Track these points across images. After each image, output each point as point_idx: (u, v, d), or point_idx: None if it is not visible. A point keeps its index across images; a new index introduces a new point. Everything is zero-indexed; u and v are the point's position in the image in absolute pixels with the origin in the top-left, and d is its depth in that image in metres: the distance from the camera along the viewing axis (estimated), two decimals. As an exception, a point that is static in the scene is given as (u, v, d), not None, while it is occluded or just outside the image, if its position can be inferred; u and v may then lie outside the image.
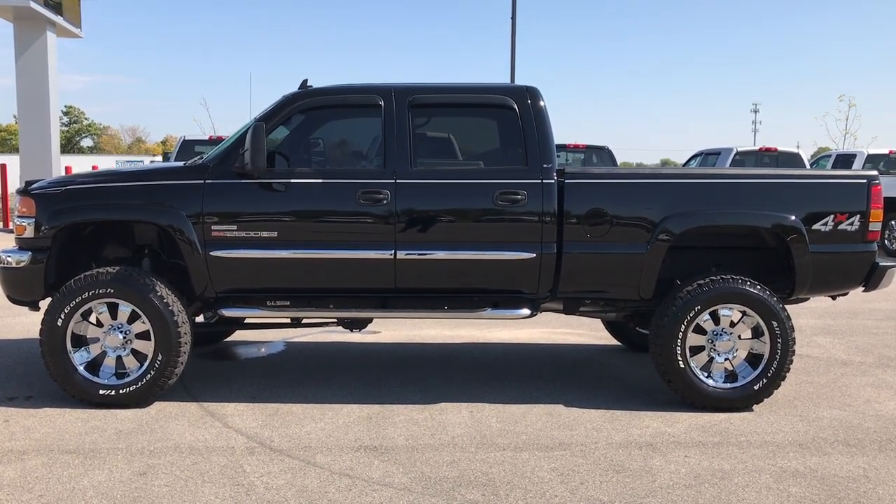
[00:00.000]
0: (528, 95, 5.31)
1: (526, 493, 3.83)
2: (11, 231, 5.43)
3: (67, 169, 20.68)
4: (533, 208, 5.06)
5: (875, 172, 5.28)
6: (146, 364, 5.02)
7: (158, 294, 4.98)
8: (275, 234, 5.08)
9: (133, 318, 5.04)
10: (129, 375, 5.05)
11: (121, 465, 4.11)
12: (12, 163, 20.22)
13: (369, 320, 5.68)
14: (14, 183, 15.38)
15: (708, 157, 16.91)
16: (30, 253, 5.12)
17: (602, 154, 15.49)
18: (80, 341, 5.08)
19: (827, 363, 6.56)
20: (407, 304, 5.32)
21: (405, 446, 4.44)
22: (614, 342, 7.14)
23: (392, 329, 7.70)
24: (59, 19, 18.81)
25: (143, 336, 5.05)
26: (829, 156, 17.69)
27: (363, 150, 5.70)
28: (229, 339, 7.07)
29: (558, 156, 10.89)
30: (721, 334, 5.14)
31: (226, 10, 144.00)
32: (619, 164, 17.18)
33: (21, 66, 18.53)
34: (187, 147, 14.19)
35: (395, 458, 4.25)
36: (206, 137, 15.22)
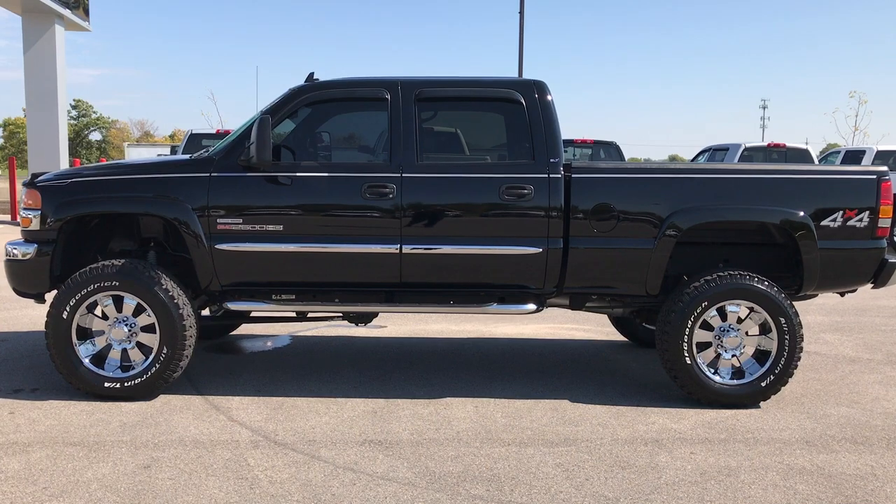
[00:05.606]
0: (536, 89, 5.28)
1: (531, 488, 3.81)
2: (19, 223, 5.45)
3: (76, 162, 20.75)
4: (539, 203, 5.04)
5: (885, 168, 5.23)
6: (151, 357, 5.02)
7: (164, 287, 4.97)
8: (280, 227, 5.07)
9: (138, 311, 5.04)
10: (134, 368, 5.05)
11: (125, 457, 4.11)
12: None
13: (375, 314, 5.67)
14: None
15: (716, 152, 16.87)
16: (35, 245, 5.12)
17: (610, 149, 15.45)
18: (86, 334, 5.08)
19: (835, 360, 6.53)
20: (412, 299, 5.31)
21: (410, 441, 4.42)
22: (620, 338, 7.11)
23: (397, 323, 7.69)
24: (66, 12, 18.83)
25: (148, 329, 5.05)
26: (839, 152, 17.59)
27: (369, 144, 5.69)
28: (234, 332, 7.07)
29: (565, 151, 10.85)
30: (728, 330, 5.11)
31: (233, 2, 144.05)
32: (626, 159, 17.12)
33: (29, 59, 18.56)
34: (195, 140, 14.19)
35: (400, 453, 4.24)
36: (214, 131, 15.24)
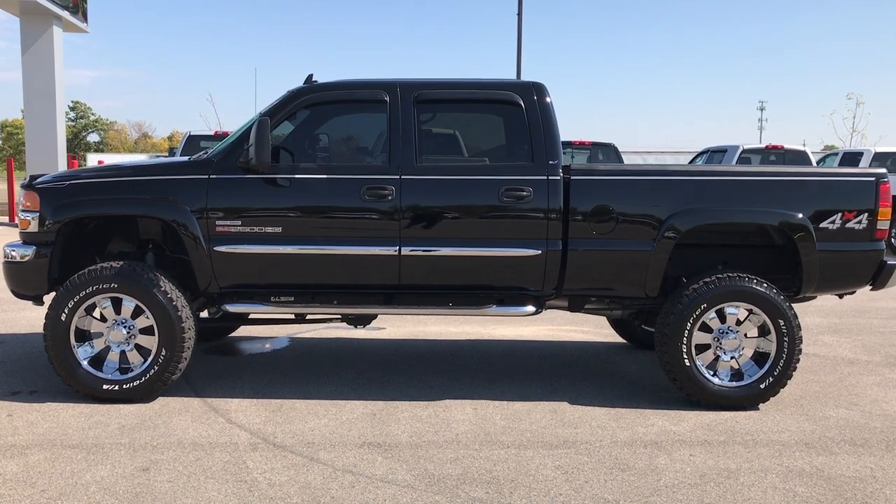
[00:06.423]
0: (535, 91, 5.29)
1: (530, 491, 3.81)
2: (17, 225, 5.48)
3: (73, 163, 20.74)
4: (538, 205, 5.04)
5: (883, 170, 5.24)
6: (150, 359, 5.01)
7: (162, 289, 4.97)
8: (279, 229, 5.06)
9: (137, 313, 5.03)
10: (132, 370, 5.04)
11: (124, 460, 4.10)
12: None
13: (374, 316, 5.67)
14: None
15: (714, 154, 16.87)
16: (34, 247, 5.12)
17: (608, 151, 15.45)
18: (84, 336, 5.07)
19: (833, 362, 6.53)
20: (411, 301, 5.31)
21: (409, 443, 4.42)
22: (619, 340, 7.11)
23: (396, 325, 7.68)
24: (65, 14, 18.82)
25: (146, 331, 5.04)
26: (836, 154, 17.61)
27: (368, 146, 5.69)
28: (233, 334, 7.06)
29: (564, 153, 10.85)
30: (727, 332, 5.11)
31: (231, 3, 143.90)
32: (624, 161, 17.11)
33: (27, 60, 18.54)
34: (193, 142, 14.19)
35: (399, 455, 4.23)
36: (212, 133, 15.23)
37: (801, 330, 5.08)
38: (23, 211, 5.20)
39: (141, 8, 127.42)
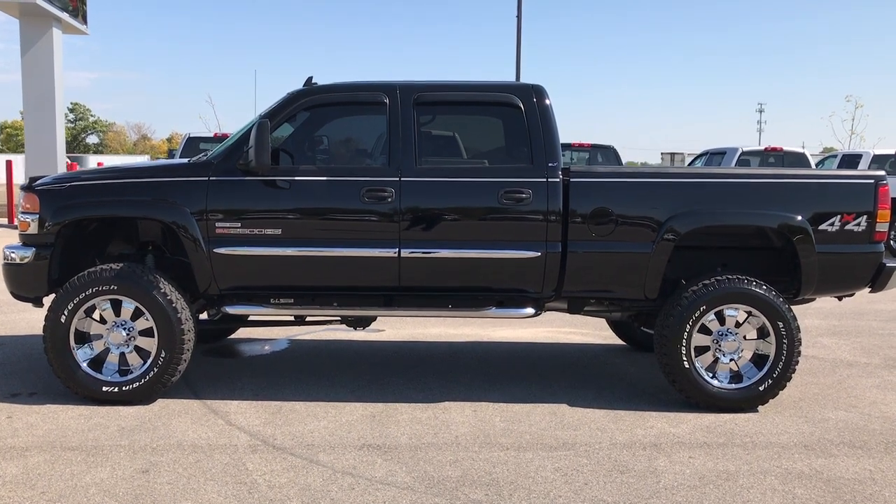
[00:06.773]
0: (534, 94, 5.29)
1: (529, 493, 3.81)
2: (17, 227, 5.47)
3: (72, 165, 20.75)
4: (538, 207, 5.04)
5: (882, 173, 5.25)
6: (149, 361, 5.01)
7: (162, 291, 4.97)
8: (279, 231, 5.07)
9: (136, 314, 5.03)
10: (132, 372, 5.05)
11: (123, 462, 4.10)
12: (18, 162, 20.29)
13: (373, 318, 5.67)
14: (19, 180, 15.39)
15: (713, 156, 16.88)
16: (34, 249, 5.12)
17: (607, 153, 15.45)
18: (84, 338, 5.07)
19: (832, 364, 6.53)
20: (411, 303, 5.31)
21: (408, 445, 4.42)
22: (619, 342, 7.11)
23: (396, 327, 7.68)
24: (64, 16, 18.82)
25: (146, 333, 5.05)
26: (835, 156, 17.62)
27: (368, 148, 5.69)
28: (233, 336, 7.06)
29: (563, 155, 10.85)
30: (726, 334, 5.12)
31: (231, 5, 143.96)
32: (624, 163, 17.13)
33: (27, 62, 18.54)
34: (192, 144, 14.18)
35: (399, 457, 4.23)
36: (212, 134, 15.23)
37: (800, 332, 5.09)
38: (22, 213, 5.20)
39: (141, 10, 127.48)
